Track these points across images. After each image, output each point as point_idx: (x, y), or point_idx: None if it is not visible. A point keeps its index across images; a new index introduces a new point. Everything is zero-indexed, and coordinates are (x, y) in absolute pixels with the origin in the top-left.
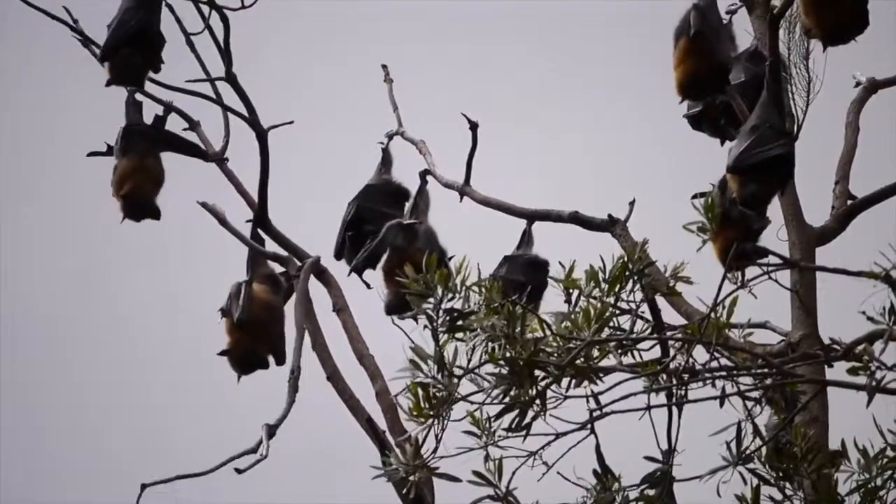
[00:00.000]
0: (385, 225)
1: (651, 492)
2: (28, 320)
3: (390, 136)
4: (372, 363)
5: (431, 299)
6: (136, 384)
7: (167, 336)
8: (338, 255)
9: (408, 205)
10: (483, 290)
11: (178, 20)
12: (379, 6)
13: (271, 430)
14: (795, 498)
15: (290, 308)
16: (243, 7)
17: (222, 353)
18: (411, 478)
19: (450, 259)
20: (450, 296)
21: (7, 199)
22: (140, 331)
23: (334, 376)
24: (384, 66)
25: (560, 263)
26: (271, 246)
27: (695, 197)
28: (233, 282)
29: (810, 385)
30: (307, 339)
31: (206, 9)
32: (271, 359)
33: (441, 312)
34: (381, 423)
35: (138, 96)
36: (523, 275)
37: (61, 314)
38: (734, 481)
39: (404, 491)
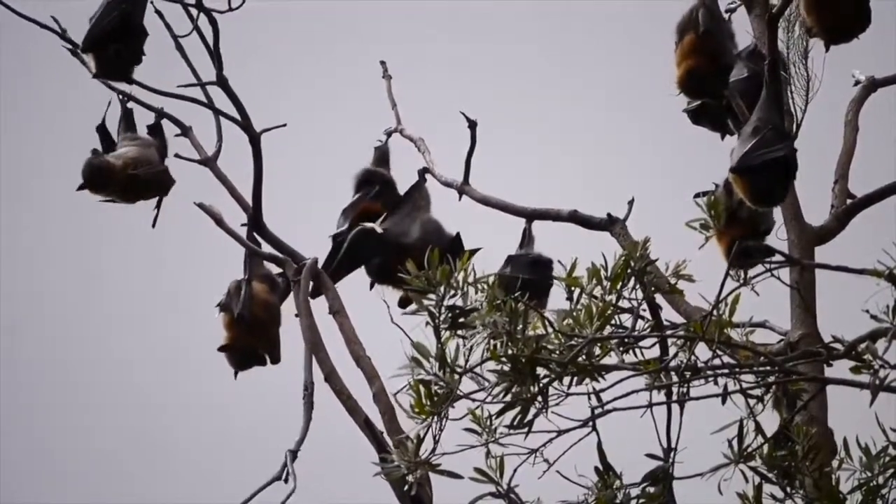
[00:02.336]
0: (352, 233)
1: (652, 489)
2: (27, 320)
3: (389, 134)
4: (369, 364)
5: (433, 296)
6: (133, 384)
7: (164, 336)
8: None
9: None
10: (485, 286)
11: (166, 24)
12: (374, 5)
13: (294, 455)
14: (797, 496)
15: (285, 308)
16: (230, 9)
17: (221, 349)
18: (411, 476)
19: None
20: (452, 292)
21: (5, 199)
22: (137, 331)
23: (332, 377)
24: (382, 63)
25: (560, 263)
26: (266, 249)
27: (697, 196)
28: (231, 279)
29: (811, 383)
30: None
31: (194, 11)
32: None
33: (443, 309)
34: (379, 424)
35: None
36: (528, 274)
37: (59, 314)
38: (736, 479)
39: (405, 489)
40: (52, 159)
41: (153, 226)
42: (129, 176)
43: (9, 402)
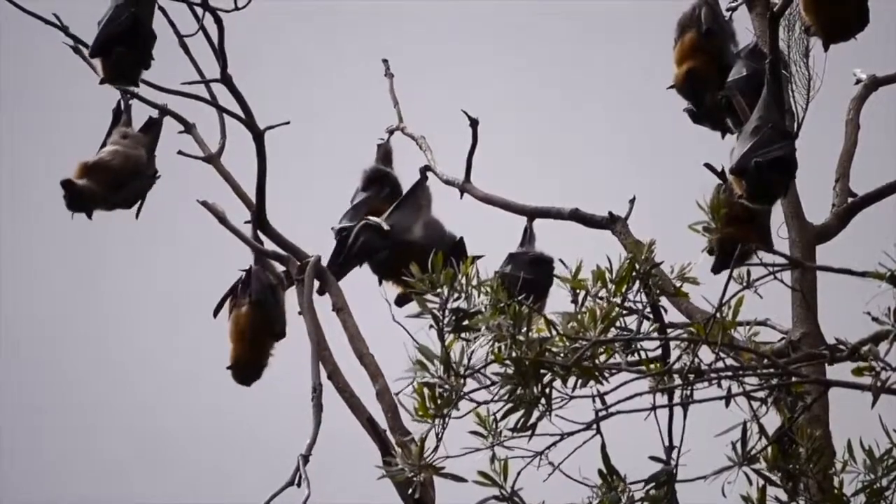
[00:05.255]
0: (358, 226)
1: (656, 492)
2: (27, 320)
3: (391, 132)
4: (372, 362)
5: (437, 298)
6: (133, 384)
7: (165, 335)
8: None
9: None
10: (489, 289)
11: (171, 23)
12: (377, 4)
13: (306, 460)
14: (801, 498)
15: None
16: (237, 9)
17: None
18: (416, 478)
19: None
20: (455, 295)
21: (5, 198)
22: (138, 330)
23: (334, 375)
24: (385, 61)
25: (562, 262)
26: (269, 246)
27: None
28: (256, 269)
29: (814, 385)
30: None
31: (199, 10)
32: None
33: (447, 312)
34: (382, 422)
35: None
36: (528, 272)
37: (59, 314)
38: (739, 482)
39: (409, 491)
40: (51, 157)
41: (136, 217)
42: (111, 203)
43: (7, 402)
